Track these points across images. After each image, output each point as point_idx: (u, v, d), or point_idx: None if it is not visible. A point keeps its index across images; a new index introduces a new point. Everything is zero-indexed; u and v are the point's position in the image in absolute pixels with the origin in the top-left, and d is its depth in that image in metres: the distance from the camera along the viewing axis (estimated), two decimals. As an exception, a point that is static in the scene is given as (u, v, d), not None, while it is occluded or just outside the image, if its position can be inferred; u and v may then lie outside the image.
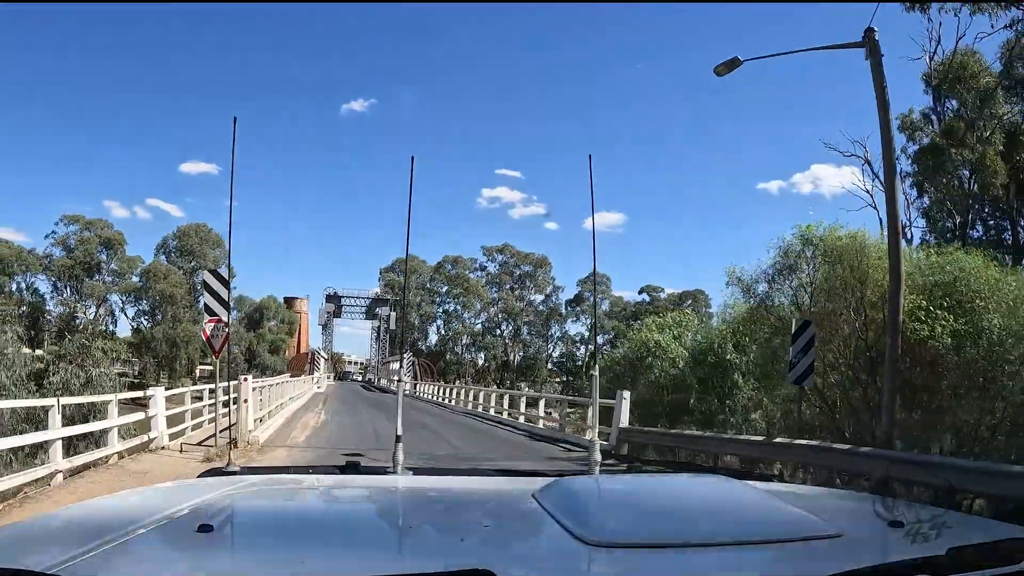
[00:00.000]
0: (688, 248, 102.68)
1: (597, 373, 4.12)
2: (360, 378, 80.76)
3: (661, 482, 1.96)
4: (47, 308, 56.96)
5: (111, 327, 61.20)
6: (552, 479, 1.71)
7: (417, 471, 2.32)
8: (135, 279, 57.92)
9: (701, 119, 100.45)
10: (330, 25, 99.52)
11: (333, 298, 77.54)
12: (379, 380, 64.75)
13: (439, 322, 76.43)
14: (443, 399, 32.32)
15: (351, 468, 2.12)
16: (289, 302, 75.98)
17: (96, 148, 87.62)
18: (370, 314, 78.54)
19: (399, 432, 3.09)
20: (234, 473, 2.01)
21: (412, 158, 3.16)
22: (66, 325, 53.35)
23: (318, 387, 38.55)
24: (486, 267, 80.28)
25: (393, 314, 66.81)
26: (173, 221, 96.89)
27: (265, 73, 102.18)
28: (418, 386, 41.25)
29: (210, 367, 66.41)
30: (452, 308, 74.64)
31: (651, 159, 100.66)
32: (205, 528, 1.22)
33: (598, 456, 2.83)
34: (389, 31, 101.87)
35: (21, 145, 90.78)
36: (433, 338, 77.20)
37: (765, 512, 1.40)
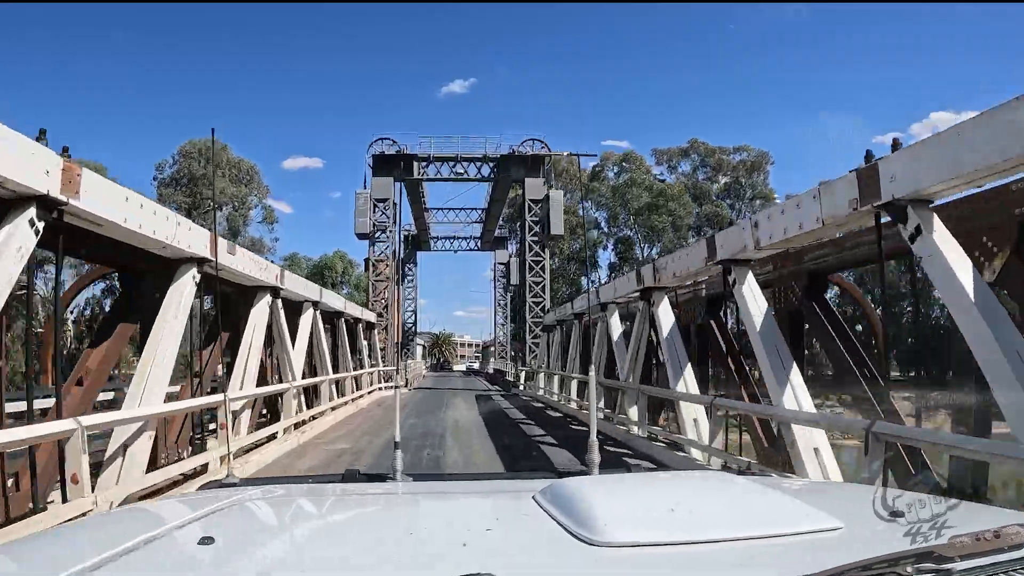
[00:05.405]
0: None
1: (594, 373, 2.60)
2: (477, 365, 54.78)
3: (660, 480, 2.16)
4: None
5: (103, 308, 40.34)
6: (552, 480, 1.70)
7: (417, 477, 2.29)
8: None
9: (803, 74, 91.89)
10: (423, 9, 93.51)
11: (403, 161, 28.00)
12: (518, 378, 27.60)
13: (602, 270, 47.88)
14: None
15: (351, 476, 2.15)
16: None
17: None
18: (486, 238, 43.14)
19: (397, 439, 2.35)
20: (233, 485, 2.03)
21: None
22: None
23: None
24: (664, 179, 50.89)
25: (563, 194, 31.78)
26: (282, 217, 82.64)
27: (363, 63, 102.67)
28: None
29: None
30: (628, 235, 45.48)
31: (755, 119, 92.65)
32: (206, 541, 1.23)
33: (596, 456, 2.24)
34: (485, 7, 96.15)
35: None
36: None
37: (765, 507, 1.39)
